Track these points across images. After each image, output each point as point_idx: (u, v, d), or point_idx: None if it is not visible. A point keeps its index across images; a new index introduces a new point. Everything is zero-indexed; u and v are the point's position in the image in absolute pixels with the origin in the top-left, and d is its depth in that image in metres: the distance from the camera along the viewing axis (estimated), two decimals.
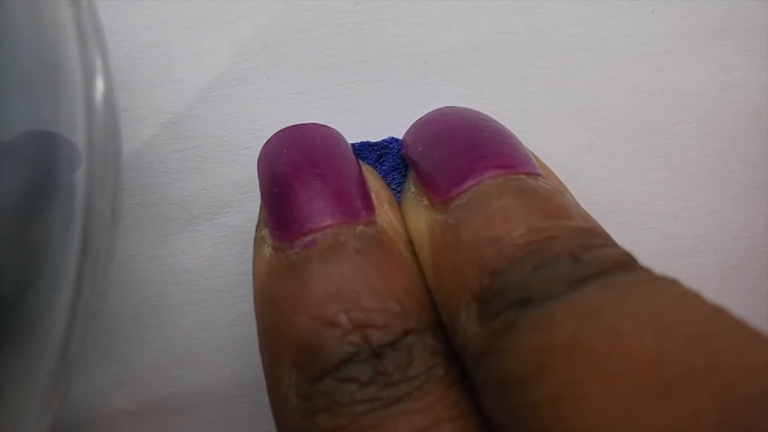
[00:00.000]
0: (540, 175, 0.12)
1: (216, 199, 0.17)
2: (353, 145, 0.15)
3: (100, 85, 0.12)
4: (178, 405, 0.18)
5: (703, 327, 0.08)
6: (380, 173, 0.14)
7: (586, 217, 0.12)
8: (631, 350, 0.08)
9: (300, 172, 0.12)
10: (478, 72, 0.17)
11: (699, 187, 0.18)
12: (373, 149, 0.15)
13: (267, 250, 0.12)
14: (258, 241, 0.13)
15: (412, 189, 0.13)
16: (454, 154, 0.13)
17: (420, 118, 0.14)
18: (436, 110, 0.14)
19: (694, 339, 0.08)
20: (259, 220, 0.13)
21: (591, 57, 0.18)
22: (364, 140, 0.15)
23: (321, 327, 0.10)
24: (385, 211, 0.13)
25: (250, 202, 0.17)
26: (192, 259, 0.17)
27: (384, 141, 0.15)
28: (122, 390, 0.18)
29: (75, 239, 0.11)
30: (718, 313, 0.08)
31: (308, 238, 0.12)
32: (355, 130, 0.17)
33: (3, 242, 0.11)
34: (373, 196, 0.13)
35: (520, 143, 0.13)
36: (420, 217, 0.13)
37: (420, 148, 0.13)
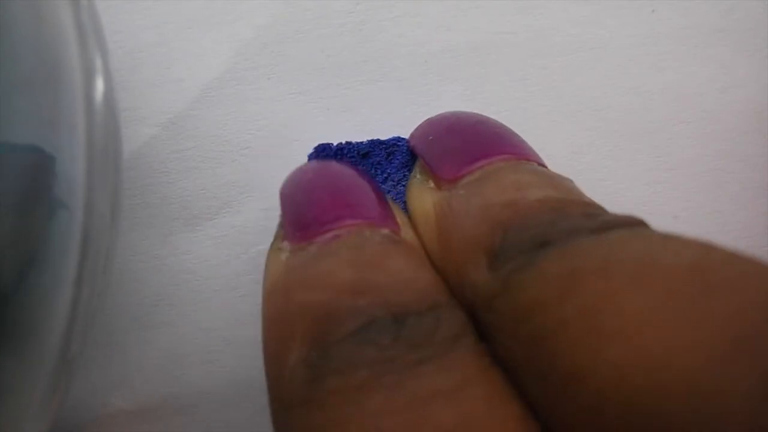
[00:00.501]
0: (547, 167, 0.12)
1: (216, 199, 0.17)
2: (363, 142, 0.15)
3: (100, 85, 0.12)
4: (178, 405, 0.18)
5: (734, 253, 0.08)
6: (389, 170, 0.14)
7: (593, 200, 0.12)
8: (669, 265, 0.08)
9: (326, 183, 0.12)
10: (478, 72, 0.17)
11: (699, 187, 0.18)
12: (382, 147, 0.15)
13: (284, 255, 0.12)
14: (273, 253, 0.12)
15: (418, 176, 0.14)
16: (465, 141, 0.13)
17: (428, 118, 0.14)
18: (444, 112, 0.14)
19: (730, 258, 0.08)
20: (275, 236, 0.13)
21: (591, 57, 0.18)
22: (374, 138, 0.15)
23: (341, 299, 0.10)
24: (409, 232, 0.13)
25: (250, 202, 0.17)
26: (192, 259, 0.17)
27: (392, 139, 0.15)
28: (122, 390, 0.18)
29: (75, 239, 0.11)
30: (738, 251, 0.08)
31: (331, 234, 0.11)
32: (355, 130, 0.17)
33: (3, 242, 0.11)
34: (398, 218, 0.13)
35: (526, 142, 0.13)
36: (426, 198, 0.13)
37: (430, 137, 0.13)
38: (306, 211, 0.12)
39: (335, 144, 0.15)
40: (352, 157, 0.15)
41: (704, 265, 0.08)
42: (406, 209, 0.14)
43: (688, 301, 0.07)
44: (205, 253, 0.17)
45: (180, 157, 0.17)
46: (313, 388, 0.09)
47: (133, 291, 0.17)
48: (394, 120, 0.17)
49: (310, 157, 0.15)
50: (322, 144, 0.15)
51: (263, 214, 0.17)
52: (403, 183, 0.14)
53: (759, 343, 0.07)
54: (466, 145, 0.13)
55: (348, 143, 0.15)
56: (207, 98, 0.17)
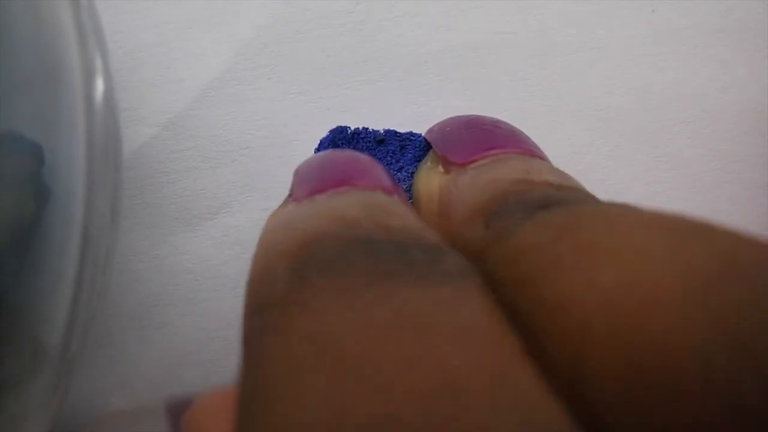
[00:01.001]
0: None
1: (216, 199, 0.17)
2: (378, 131, 0.15)
3: (100, 85, 0.12)
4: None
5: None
6: (402, 163, 0.15)
7: None
8: (671, 218, 0.08)
9: (342, 156, 0.12)
10: (478, 72, 0.17)
11: (699, 187, 0.18)
12: (397, 138, 0.15)
13: (289, 206, 0.11)
14: (274, 213, 0.11)
15: (429, 163, 0.14)
16: (481, 132, 0.13)
17: (449, 117, 0.14)
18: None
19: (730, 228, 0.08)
20: (277, 208, 0.12)
21: (591, 57, 0.18)
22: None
23: (340, 225, 0.09)
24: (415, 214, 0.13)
25: (250, 202, 0.17)
26: (192, 259, 0.17)
27: (407, 132, 0.15)
28: (122, 390, 0.18)
29: (75, 239, 0.11)
30: None
31: (344, 188, 0.11)
32: None
33: (3, 242, 0.11)
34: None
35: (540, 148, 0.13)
36: (433, 180, 0.13)
37: (448, 129, 0.14)
38: (319, 173, 0.11)
39: (352, 128, 0.15)
40: (368, 142, 0.15)
41: (706, 223, 0.08)
42: (413, 202, 0.14)
43: (683, 239, 0.07)
44: (205, 253, 0.17)
45: (180, 157, 0.17)
46: (295, 287, 0.08)
47: (133, 291, 0.17)
48: (394, 120, 0.17)
49: (325, 139, 0.15)
50: (340, 126, 0.15)
51: (263, 214, 0.17)
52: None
53: (743, 270, 0.07)
54: (482, 136, 0.13)
55: (365, 128, 0.15)
56: (207, 98, 0.17)
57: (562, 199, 0.09)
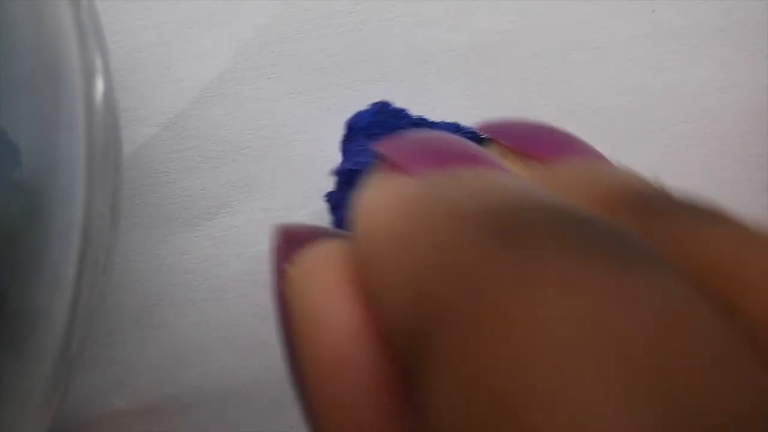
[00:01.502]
0: None
1: (216, 199, 0.17)
2: (412, 116, 0.14)
3: (100, 85, 0.12)
4: (178, 405, 0.18)
5: None
6: None
7: None
8: None
9: (448, 135, 0.11)
10: (478, 72, 0.17)
11: (699, 187, 0.18)
12: (427, 124, 0.14)
13: (403, 181, 0.09)
14: (371, 190, 0.09)
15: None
16: (556, 132, 0.12)
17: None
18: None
19: None
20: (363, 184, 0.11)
21: (591, 57, 0.18)
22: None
23: (525, 195, 0.07)
24: None
25: (250, 202, 0.17)
26: (192, 259, 0.17)
27: (435, 121, 0.14)
28: (122, 390, 0.18)
29: (75, 239, 0.11)
30: None
31: (471, 164, 0.10)
32: None
33: (3, 242, 0.12)
34: None
35: None
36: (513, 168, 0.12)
37: (513, 126, 0.12)
38: (433, 145, 0.09)
39: (393, 106, 0.14)
40: (407, 123, 0.14)
41: None
42: None
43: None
44: (204, 253, 0.17)
45: (180, 157, 0.17)
46: (515, 258, 0.06)
47: (133, 291, 0.17)
48: None
49: (367, 111, 0.14)
50: (383, 102, 0.14)
51: (263, 214, 0.17)
52: None
53: None
54: (557, 135, 0.12)
55: (403, 109, 0.14)
56: (207, 98, 0.17)
57: (709, 209, 0.09)
